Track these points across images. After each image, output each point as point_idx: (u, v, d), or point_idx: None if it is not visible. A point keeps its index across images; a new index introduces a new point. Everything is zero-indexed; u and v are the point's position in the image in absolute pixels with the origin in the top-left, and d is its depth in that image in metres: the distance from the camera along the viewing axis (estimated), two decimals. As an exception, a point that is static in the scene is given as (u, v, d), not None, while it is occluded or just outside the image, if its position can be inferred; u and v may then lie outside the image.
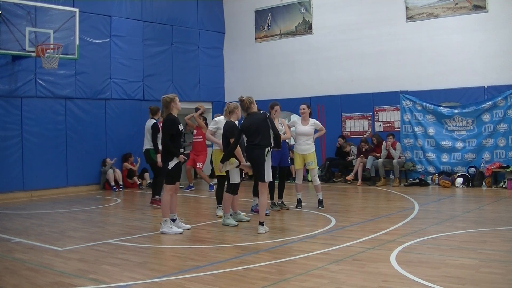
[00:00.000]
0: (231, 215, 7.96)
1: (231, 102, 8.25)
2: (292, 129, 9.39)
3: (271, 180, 7.60)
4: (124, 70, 14.12)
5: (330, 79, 14.62)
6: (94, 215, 9.49)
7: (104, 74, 13.69)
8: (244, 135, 7.62)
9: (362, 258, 5.63)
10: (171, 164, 7.33)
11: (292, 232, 7.31)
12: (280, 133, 9.07)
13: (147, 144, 10.20)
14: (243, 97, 7.61)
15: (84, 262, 5.86)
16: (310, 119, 9.34)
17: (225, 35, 16.97)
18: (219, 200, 8.48)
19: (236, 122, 7.81)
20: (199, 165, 12.50)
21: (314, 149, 9.33)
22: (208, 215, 9.03)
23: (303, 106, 9.37)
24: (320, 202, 9.33)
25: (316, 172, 9.44)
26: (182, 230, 7.43)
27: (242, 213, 8.25)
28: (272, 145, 7.53)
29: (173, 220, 7.56)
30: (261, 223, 7.30)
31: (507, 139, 11.81)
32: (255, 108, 7.60)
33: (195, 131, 12.67)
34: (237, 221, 7.86)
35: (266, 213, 8.68)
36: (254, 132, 7.34)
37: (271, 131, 7.43)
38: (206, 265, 5.56)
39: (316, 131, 9.43)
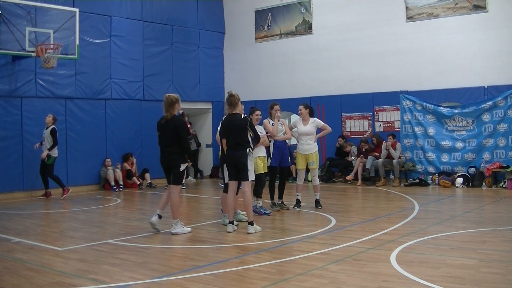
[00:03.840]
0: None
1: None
2: (294, 129, 9.40)
3: (253, 179, 7.58)
4: (124, 70, 14.12)
5: (330, 79, 14.62)
6: (94, 215, 9.48)
7: (104, 74, 13.69)
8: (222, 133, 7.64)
9: (362, 258, 5.63)
10: (183, 167, 7.36)
11: (292, 232, 7.30)
12: (280, 133, 9.14)
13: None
14: (233, 92, 7.55)
15: (84, 262, 5.86)
16: (311, 118, 9.33)
17: (225, 35, 16.97)
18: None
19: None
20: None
21: (317, 149, 9.32)
22: (208, 215, 9.03)
23: (300, 106, 9.39)
24: (318, 202, 9.33)
25: (317, 173, 9.45)
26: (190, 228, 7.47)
27: (242, 213, 8.23)
28: (252, 147, 7.53)
29: (159, 217, 7.48)
30: (250, 223, 7.28)
31: (507, 139, 11.81)
32: (240, 108, 7.55)
33: None
34: (237, 221, 7.84)
35: (267, 213, 8.73)
36: (233, 132, 7.35)
37: (249, 133, 7.42)
38: (206, 265, 5.55)
39: (319, 130, 9.43)
